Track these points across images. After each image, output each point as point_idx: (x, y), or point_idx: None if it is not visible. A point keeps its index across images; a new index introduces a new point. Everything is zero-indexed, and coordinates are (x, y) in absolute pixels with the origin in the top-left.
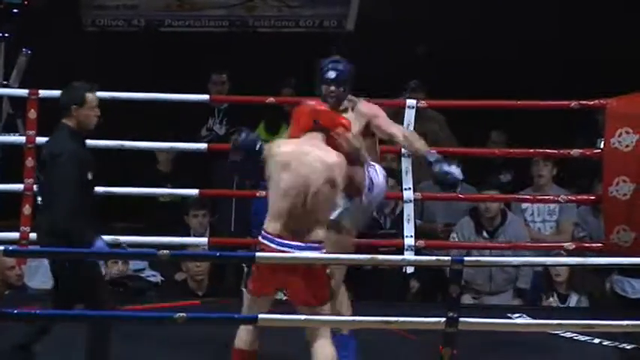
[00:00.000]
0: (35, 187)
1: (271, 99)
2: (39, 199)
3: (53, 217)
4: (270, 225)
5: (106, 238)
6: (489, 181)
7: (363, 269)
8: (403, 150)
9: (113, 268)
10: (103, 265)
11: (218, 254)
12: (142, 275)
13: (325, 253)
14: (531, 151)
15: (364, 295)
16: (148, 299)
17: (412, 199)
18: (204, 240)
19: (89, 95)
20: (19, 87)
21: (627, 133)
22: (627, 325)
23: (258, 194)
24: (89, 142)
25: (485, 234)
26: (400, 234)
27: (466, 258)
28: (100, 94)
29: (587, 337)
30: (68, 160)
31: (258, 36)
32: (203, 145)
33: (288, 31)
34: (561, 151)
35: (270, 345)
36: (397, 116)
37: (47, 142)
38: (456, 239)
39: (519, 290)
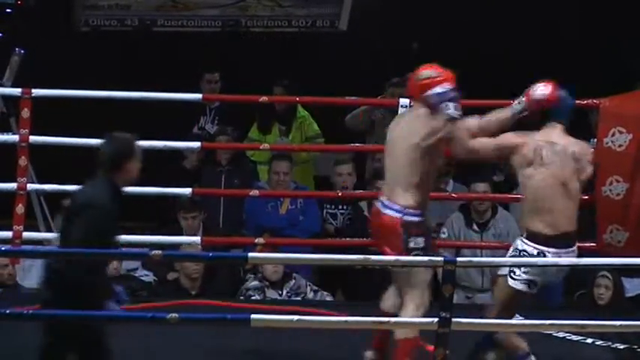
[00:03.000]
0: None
1: (264, 98)
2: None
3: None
4: None
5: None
6: (479, 176)
7: (356, 270)
8: None
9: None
10: None
11: (211, 255)
12: (135, 275)
13: None
14: None
15: (357, 295)
16: (140, 299)
17: None
18: (197, 239)
19: (137, 146)
20: (12, 86)
21: (620, 132)
22: (621, 325)
23: (251, 193)
24: (82, 141)
25: (475, 227)
26: None
27: (459, 259)
28: (92, 93)
29: (579, 337)
30: (105, 216)
31: (251, 36)
32: (196, 144)
33: (280, 31)
34: None
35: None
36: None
37: (83, 190)
38: (446, 234)
39: None
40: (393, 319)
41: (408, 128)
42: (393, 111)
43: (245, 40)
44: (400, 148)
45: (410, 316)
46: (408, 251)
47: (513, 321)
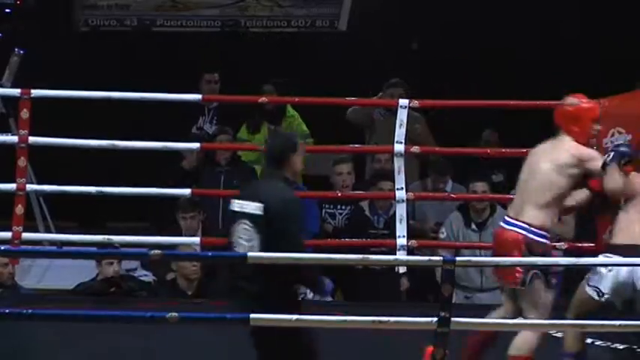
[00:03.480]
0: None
1: (264, 99)
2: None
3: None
4: None
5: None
6: (478, 174)
7: (356, 269)
8: (396, 149)
9: (109, 269)
10: (97, 265)
11: (210, 254)
12: (135, 275)
13: None
14: (524, 150)
15: (356, 295)
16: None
17: (404, 198)
18: (196, 239)
19: (301, 141)
20: (12, 87)
21: (619, 133)
22: (620, 325)
23: None
24: (81, 142)
25: (474, 226)
26: (392, 234)
27: (458, 258)
28: (92, 93)
29: None
30: (300, 210)
31: (250, 36)
32: (196, 145)
33: (280, 31)
34: None
35: None
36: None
37: (265, 189)
38: (445, 234)
39: None
40: (392, 319)
41: (556, 151)
42: (392, 111)
43: (244, 40)
44: (543, 167)
45: (530, 336)
46: (528, 272)
47: (513, 321)
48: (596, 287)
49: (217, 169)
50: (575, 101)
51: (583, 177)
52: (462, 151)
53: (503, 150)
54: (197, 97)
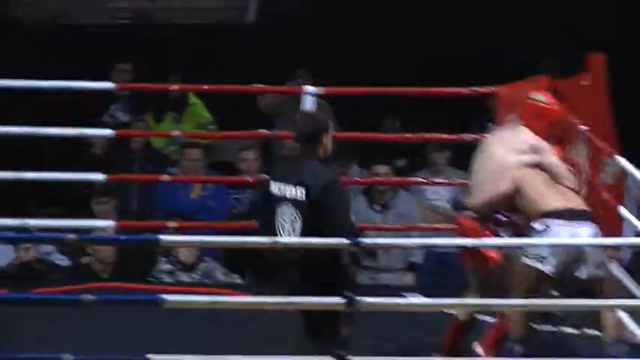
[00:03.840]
0: None
1: (175, 87)
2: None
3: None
4: None
5: (16, 222)
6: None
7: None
8: None
9: (27, 254)
10: (14, 250)
11: (123, 238)
12: (50, 259)
13: None
14: (426, 136)
15: (266, 277)
16: (53, 282)
17: None
18: (111, 223)
19: (330, 121)
20: None
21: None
22: (525, 304)
23: (162, 179)
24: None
25: (377, 207)
26: None
27: (363, 240)
28: (7, 82)
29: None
30: (343, 191)
31: (159, 28)
32: (109, 131)
33: (189, 23)
34: (455, 137)
35: None
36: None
37: (300, 170)
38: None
39: (412, 264)
40: (300, 299)
41: (513, 139)
42: (297, 100)
43: (155, 32)
44: (499, 152)
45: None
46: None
47: (426, 300)
48: (539, 255)
49: (131, 155)
50: (543, 99)
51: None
52: (365, 136)
53: (406, 136)
54: (110, 85)
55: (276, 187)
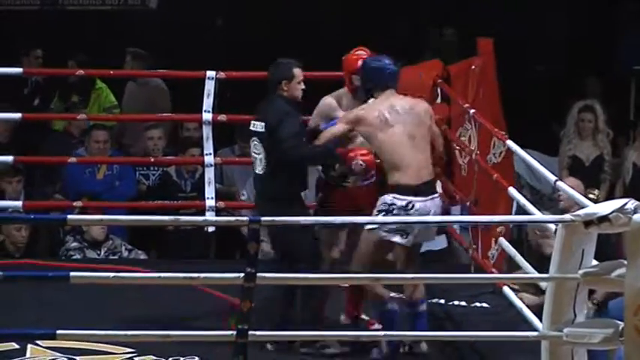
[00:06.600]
0: None
1: (81, 71)
2: (258, 169)
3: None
4: None
5: None
6: None
7: (167, 230)
8: (204, 117)
9: None
10: None
11: (32, 217)
12: None
13: None
14: None
15: (168, 254)
16: None
17: (212, 163)
18: (18, 203)
19: (296, 70)
20: None
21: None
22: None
23: (69, 160)
24: None
25: None
26: (201, 197)
27: (263, 218)
28: None
29: None
30: (295, 118)
31: (67, 14)
32: (18, 115)
33: (94, 9)
34: None
35: None
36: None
37: (260, 114)
38: (246, 195)
39: None
40: (203, 275)
41: None
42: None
43: (62, 18)
44: None
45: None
46: None
47: (313, 275)
48: (403, 231)
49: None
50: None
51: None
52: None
53: None
54: (18, 70)
55: (252, 125)
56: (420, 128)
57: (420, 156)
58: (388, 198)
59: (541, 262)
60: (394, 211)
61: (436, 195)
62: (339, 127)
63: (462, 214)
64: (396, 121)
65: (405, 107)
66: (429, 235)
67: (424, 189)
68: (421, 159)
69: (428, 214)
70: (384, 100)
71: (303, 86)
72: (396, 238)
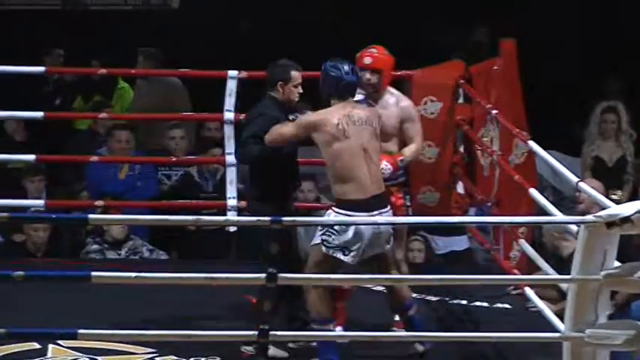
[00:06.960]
0: None
1: (103, 70)
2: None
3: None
4: None
5: None
6: None
7: (189, 230)
8: (225, 117)
9: None
10: None
11: (54, 216)
12: None
13: None
14: None
15: (190, 254)
16: None
17: (234, 163)
18: (40, 202)
19: (294, 73)
20: None
21: (432, 101)
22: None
23: (91, 160)
24: None
25: None
26: (223, 197)
27: (284, 218)
28: None
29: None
30: (263, 119)
31: (89, 14)
32: (40, 114)
33: (116, 9)
34: None
35: None
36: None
37: (257, 106)
38: None
39: None
40: (224, 275)
41: None
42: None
43: (84, 17)
44: None
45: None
46: None
47: (335, 276)
48: (346, 248)
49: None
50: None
51: None
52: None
53: None
54: (41, 69)
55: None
56: (372, 142)
57: (371, 169)
58: (332, 213)
59: (560, 264)
60: (334, 230)
61: (386, 209)
62: (290, 129)
63: (477, 215)
64: (352, 132)
65: (362, 119)
66: (379, 247)
67: (373, 202)
68: (372, 172)
69: (376, 229)
70: (340, 109)
71: (300, 90)
72: (339, 255)
